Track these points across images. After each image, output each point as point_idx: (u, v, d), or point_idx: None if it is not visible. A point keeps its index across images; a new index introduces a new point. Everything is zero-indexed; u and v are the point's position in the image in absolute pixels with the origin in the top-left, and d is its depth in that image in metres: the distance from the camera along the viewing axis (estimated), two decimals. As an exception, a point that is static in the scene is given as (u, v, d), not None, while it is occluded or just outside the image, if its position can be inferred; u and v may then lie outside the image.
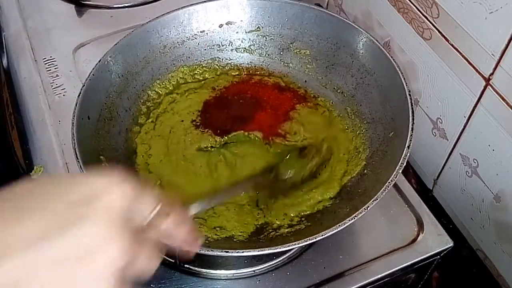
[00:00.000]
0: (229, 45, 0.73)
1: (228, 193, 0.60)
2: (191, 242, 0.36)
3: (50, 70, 0.81)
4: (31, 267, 0.27)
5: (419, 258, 0.63)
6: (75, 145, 0.55)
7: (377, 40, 0.65)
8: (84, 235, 0.28)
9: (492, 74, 0.57)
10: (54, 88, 0.79)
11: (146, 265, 0.31)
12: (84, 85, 0.61)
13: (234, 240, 0.58)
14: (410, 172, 0.74)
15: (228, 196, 0.60)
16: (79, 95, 0.59)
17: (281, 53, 0.73)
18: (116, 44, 0.65)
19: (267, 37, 0.73)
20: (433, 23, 0.62)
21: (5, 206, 0.29)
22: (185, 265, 0.61)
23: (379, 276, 0.61)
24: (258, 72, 0.74)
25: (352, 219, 0.50)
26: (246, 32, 0.73)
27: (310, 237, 0.49)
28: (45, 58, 0.83)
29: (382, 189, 0.51)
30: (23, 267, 0.27)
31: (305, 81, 0.72)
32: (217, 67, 0.74)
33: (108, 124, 0.63)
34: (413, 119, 0.57)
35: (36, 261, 0.27)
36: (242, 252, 0.49)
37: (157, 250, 0.32)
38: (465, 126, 0.63)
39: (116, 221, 0.29)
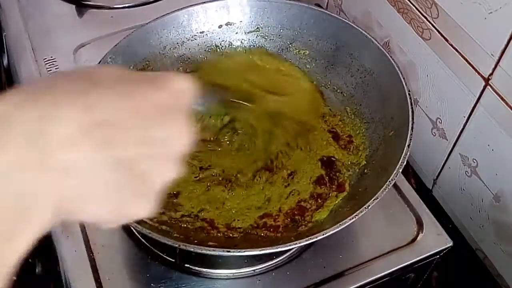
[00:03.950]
0: (228, 46, 0.73)
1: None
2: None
3: (50, 70, 0.81)
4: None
5: (418, 258, 0.63)
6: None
7: (376, 40, 0.65)
8: (172, 122, 0.30)
9: (491, 74, 0.57)
10: (54, 88, 0.79)
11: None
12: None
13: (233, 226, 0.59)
14: (409, 172, 0.74)
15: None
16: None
17: (281, 53, 0.73)
18: (116, 45, 0.65)
19: (266, 37, 0.73)
20: (433, 23, 0.62)
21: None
22: (185, 265, 0.61)
23: (379, 275, 0.61)
24: (257, 72, 0.74)
25: (352, 218, 0.50)
26: (245, 33, 0.73)
27: (310, 237, 0.49)
28: (45, 58, 0.83)
29: (383, 188, 0.51)
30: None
31: (305, 81, 0.73)
32: (216, 67, 0.74)
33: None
34: (413, 118, 0.57)
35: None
36: (243, 251, 0.49)
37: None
38: (464, 126, 0.64)
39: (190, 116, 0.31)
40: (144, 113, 0.29)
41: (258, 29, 0.72)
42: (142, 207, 0.30)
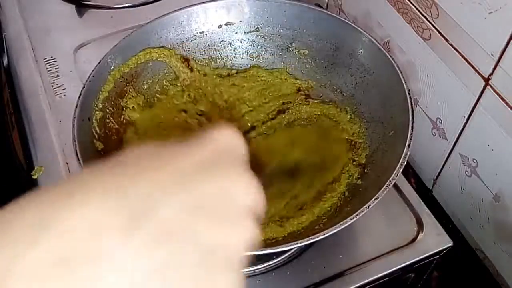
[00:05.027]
0: (228, 46, 0.73)
1: None
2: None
3: (50, 70, 0.81)
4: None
5: (418, 258, 0.63)
6: (76, 146, 0.55)
7: (376, 40, 0.65)
8: (221, 176, 0.26)
9: (491, 74, 0.57)
10: (54, 88, 0.79)
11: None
12: (84, 87, 0.61)
13: None
14: (409, 172, 0.74)
15: None
16: (79, 97, 0.59)
17: (280, 53, 0.73)
18: (116, 45, 0.65)
19: (266, 37, 0.73)
20: (433, 23, 0.62)
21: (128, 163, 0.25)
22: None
23: (379, 275, 0.61)
24: (257, 73, 0.74)
25: (353, 218, 0.50)
26: (245, 33, 0.73)
27: (310, 237, 0.49)
28: (45, 58, 0.83)
29: (383, 187, 0.51)
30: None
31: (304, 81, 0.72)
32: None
33: (108, 125, 0.64)
34: (413, 118, 0.57)
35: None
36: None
37: None
38: (464, 126, 0.64)
39: (244, 165, 0.27)
40: (187, 175, 0.25)
41: (257, 29, 0.72)
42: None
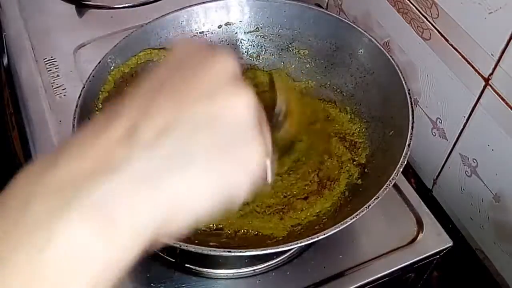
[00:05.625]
0: (228, 46, 0.73)
1: None
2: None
3: (50, 70, 0.81)
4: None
5: (418, 258, 0.63)
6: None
7: (376, 40, 0.65)
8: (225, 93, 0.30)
9: (491, 74, 0.57)
10: (54, 88, 0.79)
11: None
12: (84, 87, 0.61)
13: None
14: (409, 172, 0.74)
15: None
16: (79, 97, 0.59)
17: (280, 53, 0.73)
18: (116, 45, 0.65)
19: (266, 37, 0.73)
20: (433, 23, 0.62)
21: None
22: (186, 265, 0.61)
23: (379, 275, 0.61)
24: (257, 72, 0.74)
25: (353, 218, 0.50)
26: (245, 33, 0.73)
27: (310, 237, 0.49)
28: (45, 58, 0.83)
29: (383, 187, 0.51)
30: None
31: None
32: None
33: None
34: (413, 118, 0.57)
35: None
36: (244, 252, 0.49)
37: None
38: (464, 126, 0.64)
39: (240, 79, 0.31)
40: (202, 89, 0.29)
41: (257, 29, 0.72)
42: (244, 173, 0.29)
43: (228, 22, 0.72)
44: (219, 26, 0.72)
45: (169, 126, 0.27)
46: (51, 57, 0.83)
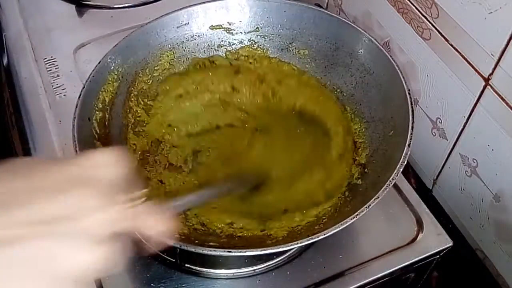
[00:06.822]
0: (228, 46, 0.73)
1: (214, 193, 0.57)
2: (164, 235, 0.35)
3: (50, 70, 0.82)
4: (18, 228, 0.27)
5: (418, 258, 0.63)
6: (76, 146, 0.55)
7: (376, 40, 0.65)
8: (74, 197, 0.28)
9: (491, 74, 0.57)
10: (54, 88, 0.79)
11: (119, 253, 0.30)
12: (84, 87, 0.61)
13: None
14: (409, 172, 0.74)
15: (213, 196, 0.57)
16: (79, 97, 0.59)
17: (280, 53, 0.73)
18: (116, 45, 0.65)
19: (266, 37, 0.73)
20: (433, 23, 0.62)
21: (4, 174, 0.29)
22: (186, 265, 0.61)
23: (379, 275, 0.61)
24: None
25: (353, 218, 0.50)
26: (245, 33, 0.73)
27: (310, 237, 0.49)
28: (45, 58, 0.83)
29: (383, 187, 0.51)
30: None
31: (305, 81, 0.73)
32: (216, 67, 0.74)
33: (108, 125, 0.64)
34: (413, 118, 0.57)
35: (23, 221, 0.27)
36: (244, 252, 0.49)
37: (130, 240, 0.32)
38: (464, 126, 0.64)
39: (106, 191, 0.29)
40: (41, 191, 0.27)
41: (257, 29, 0.72)
42: None
43: (228, 22, 0.72)
44: (219, 26, 0.72)
45: None
46: (51, 57, 0.83)
